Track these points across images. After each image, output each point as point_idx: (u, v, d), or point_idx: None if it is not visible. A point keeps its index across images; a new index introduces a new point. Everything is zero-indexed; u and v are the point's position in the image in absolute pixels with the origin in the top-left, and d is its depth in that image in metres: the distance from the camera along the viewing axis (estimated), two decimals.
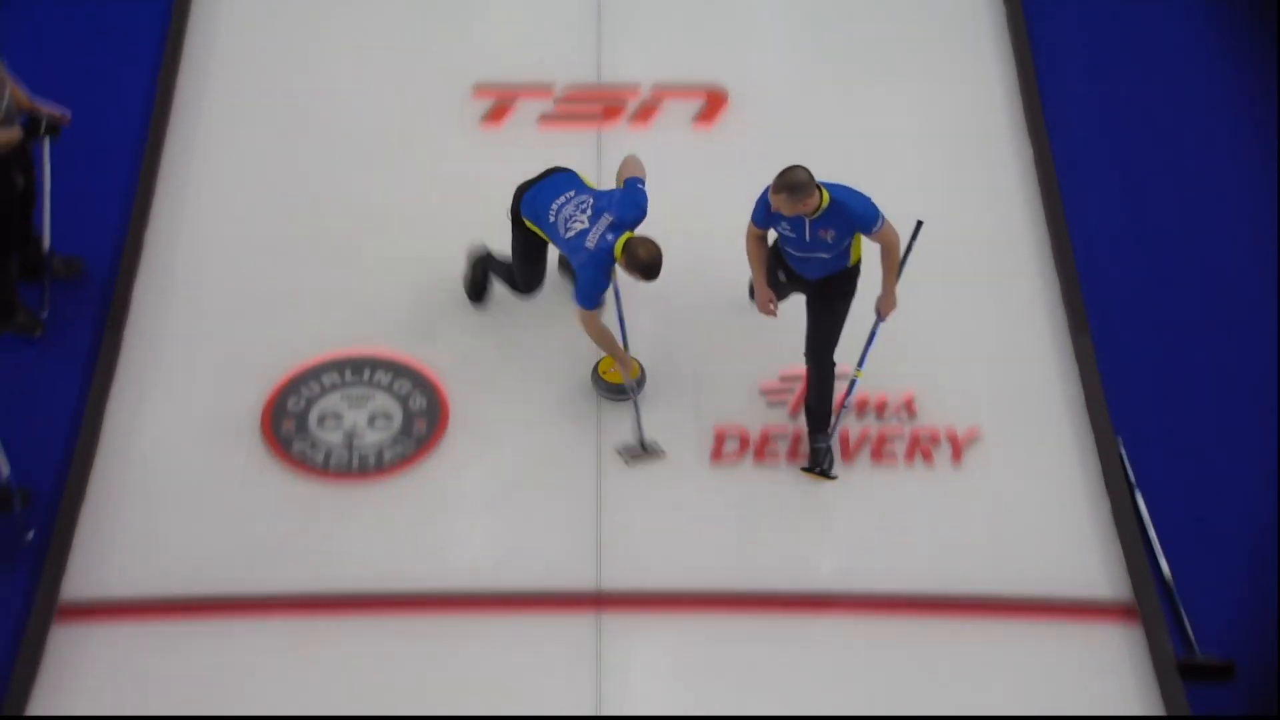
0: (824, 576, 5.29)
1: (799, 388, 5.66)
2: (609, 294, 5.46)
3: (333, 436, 5.63)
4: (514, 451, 5.56)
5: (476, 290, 5.92)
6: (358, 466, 5.54)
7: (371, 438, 5.63)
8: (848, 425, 5.63)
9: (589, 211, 5.29)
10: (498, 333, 5.90)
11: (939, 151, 6.59)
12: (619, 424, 5.59)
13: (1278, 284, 6.12)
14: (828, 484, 5.44)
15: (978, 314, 6.02)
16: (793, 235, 5.12)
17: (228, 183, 6.43)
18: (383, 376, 5.80)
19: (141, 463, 5.55)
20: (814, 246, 5.11)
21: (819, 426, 5.46)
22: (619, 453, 5.54)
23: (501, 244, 5.73)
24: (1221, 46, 6.96)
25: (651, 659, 5.15)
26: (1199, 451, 5.65)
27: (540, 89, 6.74)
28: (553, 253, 5.63)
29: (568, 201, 5.35)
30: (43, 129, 5.70)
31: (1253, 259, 6.25)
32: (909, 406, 5.71)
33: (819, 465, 5.46)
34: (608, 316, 5.56)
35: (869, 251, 5.30)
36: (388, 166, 6.47)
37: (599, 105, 6.70)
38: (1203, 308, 6.10)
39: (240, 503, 5.45)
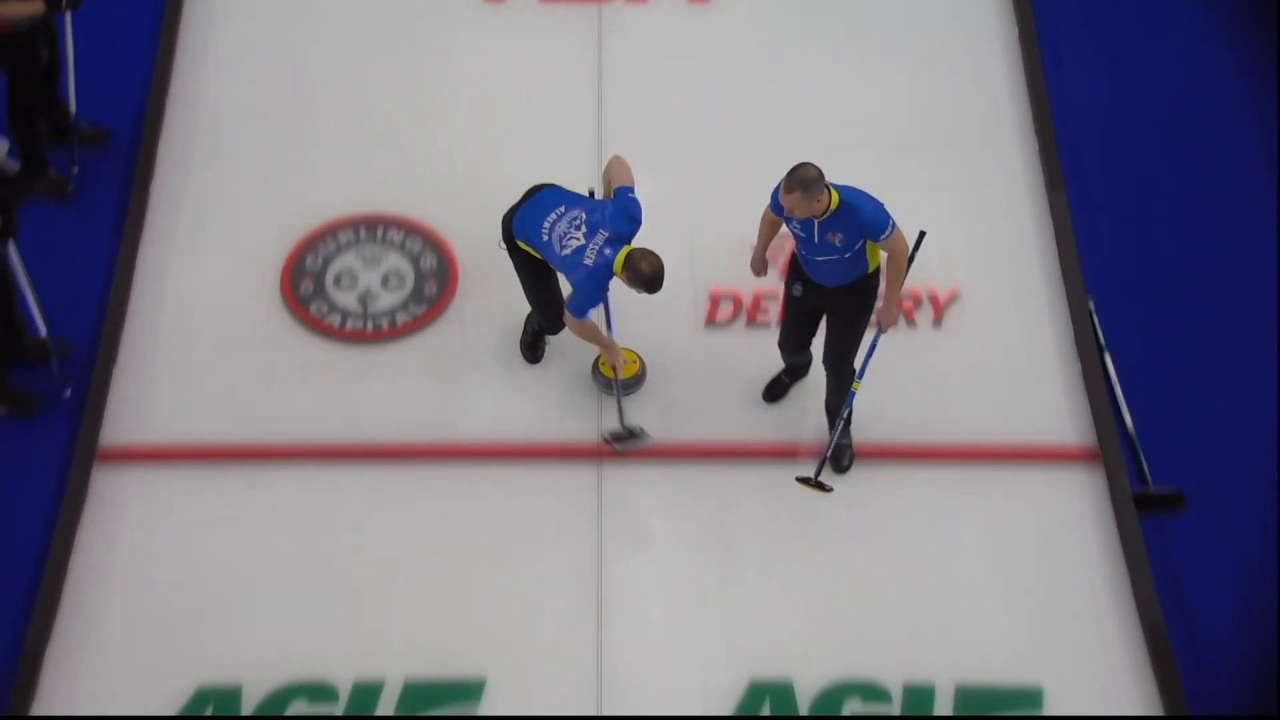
0: (812, 429, 5.50)
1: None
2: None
3: (348, 298, 5.83)
4: (519, 313, 5.63)
5: (531, 348, 5.67)
6: (372, 328, 5.75)
7: (385, 300, 5.83)
8: None
9: (583, 228, 5.06)
10: (505, 194, 6.06)
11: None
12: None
13: (1248, 158, 6.27)
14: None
15: (958, 178, 6.17)
16: (803, 235, 4.97)
17: (247, 50, 6.53)
18: (395, 236, 5.98)
19: (171, 318, 5.74)
20: (823, 249, 4.96)
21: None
22: (605, 439, 5.44)
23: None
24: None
25: (648, 502, 5.38)
26: (1165, 309, 5.86)
27: None
28: None
29: (559, 219, 5.11)
30: (64, 2, 5.68)
31: (1224, 134, 6.35)
32: None
33: (840, 463, 5.37)
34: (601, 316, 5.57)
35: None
36: (398, 38, 6.56)
37: None
38: (1177, 179, 6.23)
39: (263, 358, 5.66)
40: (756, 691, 4.95)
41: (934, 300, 5.84)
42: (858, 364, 5.25)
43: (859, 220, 4.84)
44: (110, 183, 6.11)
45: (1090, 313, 5.78)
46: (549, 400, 5.59)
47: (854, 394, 5.22)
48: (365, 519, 5.32)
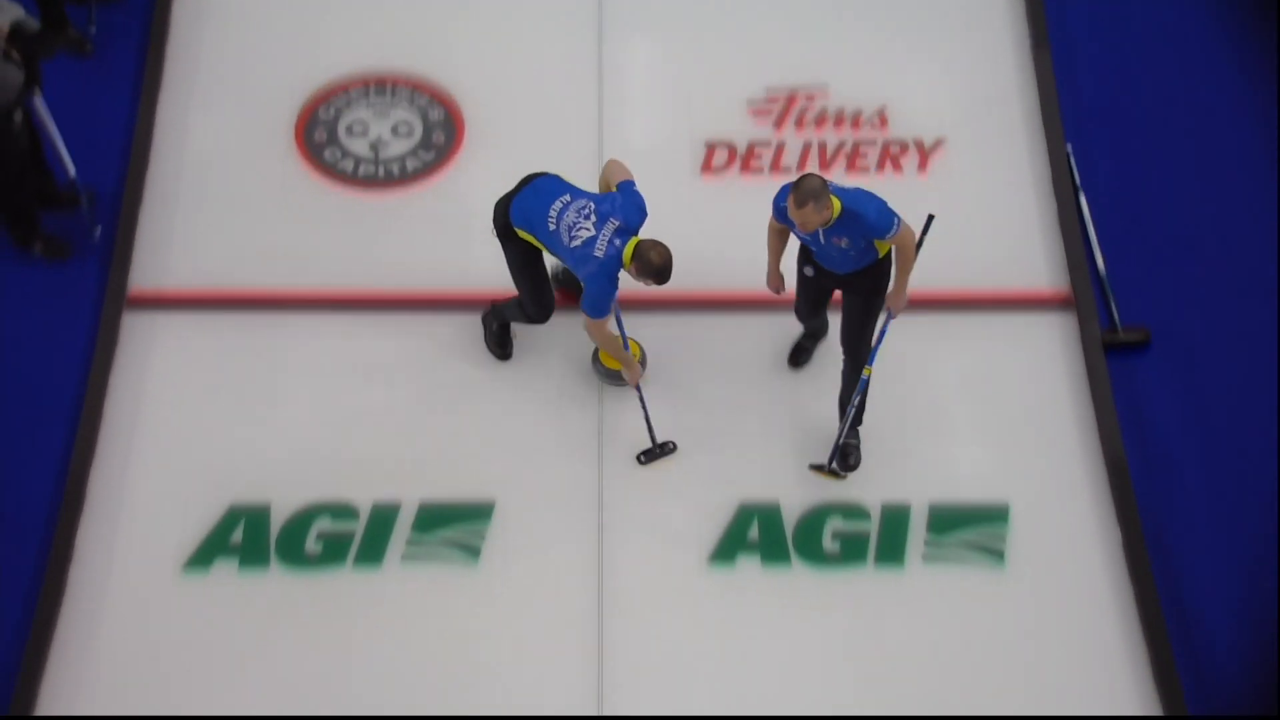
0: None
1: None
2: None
3: (360, 144, 6.05)
4: (525, 152, 5.68)
5: (500, 344, 5.54)
6: (384, 175, 5.99)
7: (395, 148, 6.05)
8: (826, 138, 6.00)
9: (592, 217, 4.93)
10: (508, 51, 6.22)
11: None
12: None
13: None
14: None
15: (945, 30, 6.33)
16: (809, 240, 4.96)
17: None
18: (404, 89, 6.17)
19: (191, 169, 5.92)
20: (831, 249, 4.94)
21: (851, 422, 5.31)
22: (640, 460, 5.35)
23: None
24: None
25: (648, 349, 5.55)
26: (1142, 155, 6.04)
27: None
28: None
29: (566, 207, 4.97)
30: None
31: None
32: (881, 118, 6.09)
33: (846, 461, 5.30)
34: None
35: None
36: None
37: None
38: (1160, 35, 6.39)
39: (280, 205, 5.85)
40: (746, 514, 5.24)
41: (920, 149, 6.02)
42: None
43: (863, 225, 4.80)
44: (128, 40, 6.22)
45: (1067, 155, 5.95)
46: None
47: (866, 380, 5.15)
48: (383, 361, 5.52)
